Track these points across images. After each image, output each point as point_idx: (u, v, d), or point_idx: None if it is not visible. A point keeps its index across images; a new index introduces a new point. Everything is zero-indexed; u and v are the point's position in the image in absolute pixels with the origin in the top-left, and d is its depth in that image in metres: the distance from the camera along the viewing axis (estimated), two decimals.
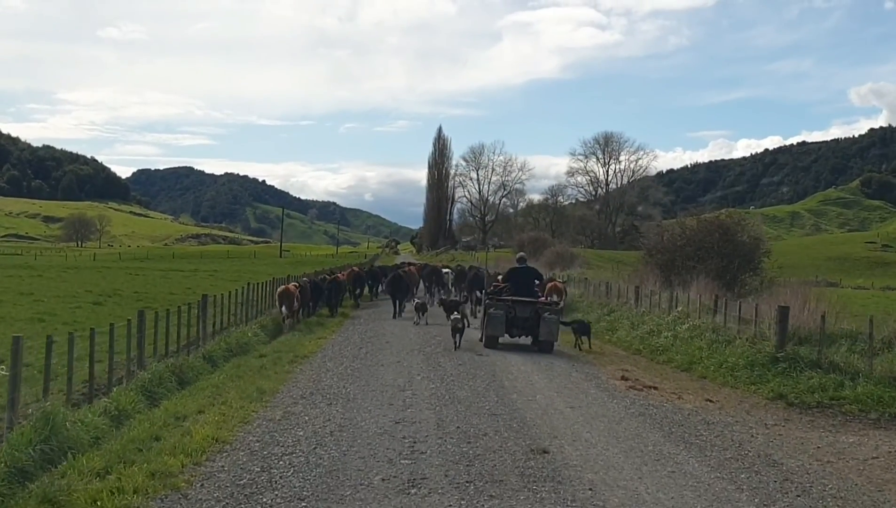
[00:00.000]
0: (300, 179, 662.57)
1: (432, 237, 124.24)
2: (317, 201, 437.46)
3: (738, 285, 26.47)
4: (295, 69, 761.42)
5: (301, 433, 8.01)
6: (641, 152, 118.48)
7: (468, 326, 16.62)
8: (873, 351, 12.18)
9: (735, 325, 15.36)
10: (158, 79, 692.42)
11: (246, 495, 6.08)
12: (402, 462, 6.98)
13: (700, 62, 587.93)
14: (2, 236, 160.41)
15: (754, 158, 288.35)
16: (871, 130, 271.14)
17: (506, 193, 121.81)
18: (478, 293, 23.75)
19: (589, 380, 12.03)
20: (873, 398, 10.67)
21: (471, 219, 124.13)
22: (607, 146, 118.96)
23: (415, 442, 7.65)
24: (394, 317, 21.82)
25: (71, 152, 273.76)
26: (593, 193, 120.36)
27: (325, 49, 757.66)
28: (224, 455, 7.25)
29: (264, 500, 5.97)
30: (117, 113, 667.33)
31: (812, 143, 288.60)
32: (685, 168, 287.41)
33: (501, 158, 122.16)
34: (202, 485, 6.29)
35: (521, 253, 20.72)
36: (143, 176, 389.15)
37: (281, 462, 6.98)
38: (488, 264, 42.50)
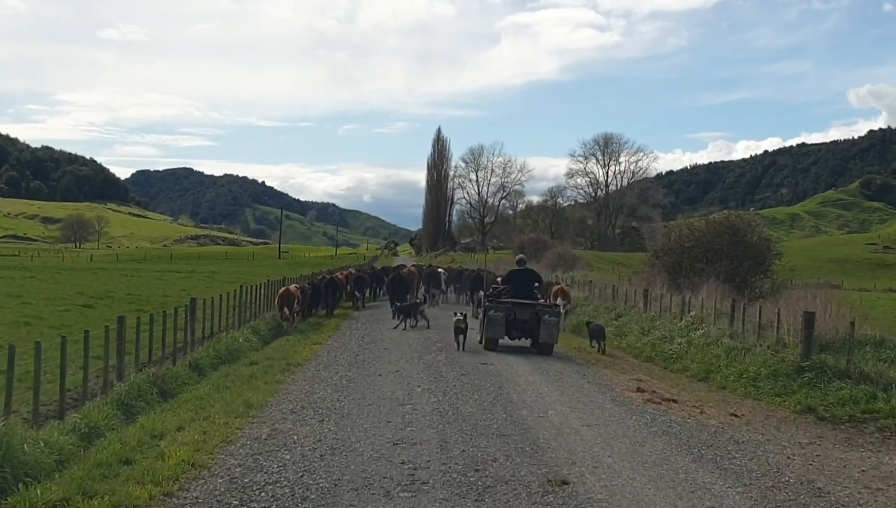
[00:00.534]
0: (299, 181, 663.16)
1: (431, 239, 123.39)
2: (316, 203, 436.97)
3: (748, 288, 25.68)
4: (294, 71, 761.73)
5: (288, 457, 7.15)
6: (641, 154, 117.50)
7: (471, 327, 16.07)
8: None
9: (754, 331, 14.52)
10: (157, 80, 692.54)
11: None
12: (401, 494, 6.09)
13: (699, 64, 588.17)
14: (0, 237, 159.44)
15: (754, 159, 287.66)
16: (871, 131, 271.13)
17: (505, 194, 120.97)
18: (481, 294, 23.23)
19: (603, 392, 11.15)
20: None
21: (470, 220, 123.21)
22: (607, 147, 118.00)
23: (415, 469, 6.76)
24: (394, 317, 21.11)
25: (70, 153, 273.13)
26: (593, 194, 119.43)
27: (324, 50, 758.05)
28: (200, 482, 6.40)
29: None
30: (116, 114, 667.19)
31: (811, 144, 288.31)
32: (684, 170, 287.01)
33: (501, 159, 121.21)
34: None
35: (521, 255, 20.33)
36: (142, 177, 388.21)
37: (263, 494, 6.11)
38: (488, 266, 41.60)
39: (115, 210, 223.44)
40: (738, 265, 25.75)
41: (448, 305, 27.45)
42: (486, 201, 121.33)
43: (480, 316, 17.38)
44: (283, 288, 20.05)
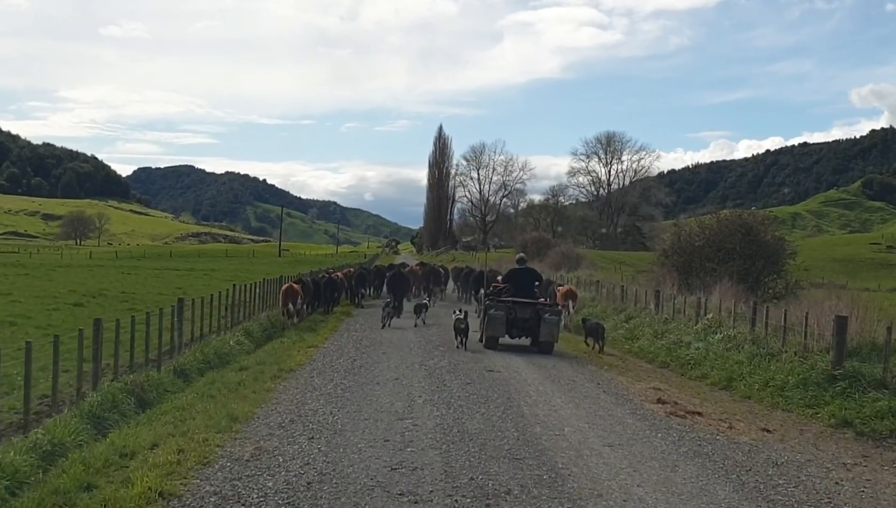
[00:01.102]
0: (300, 179, 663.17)
1: (432, 237, 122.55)
2: (317, 201, 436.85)
3: (761, 289, 24.76)
4: (296, 68, 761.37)
5: (271, 484, 6.24)
6: (644, 152, 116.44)
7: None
8: None
9: (775, 335, 13.60)
10: (159, 77, 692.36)
11: None
12: None
13: (701, 63, 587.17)
14: (1, 234, 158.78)
15: (756, 158, 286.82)
16: (873, 131, 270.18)
17: (506, 193, 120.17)
18: (481, 292, 22.73)
19: (621, 404, 10.22)
20: None
21: (471, 219, 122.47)
22: (609, 146, 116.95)
23: (416, 503, 5.84)
24: (394, 317, 20.36)
25: (71, 150, 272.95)
26: (595, 193, 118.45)
27: (326, 48, 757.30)
28: None
29: None
30: (118, 111, 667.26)
31: (813, 144, 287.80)
32: (686, 169, 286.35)
33: (502, 157, 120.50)
34: None
35: (521, 254, 19.80)
36: (143, 174, 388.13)
37: None
38: (489, 265, 40.67)
39: (116, 207, 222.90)
40: (750, 265, 24.80)
41: (449, 303, 26.62)
42: (488, 200, 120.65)
43: (481, 315, 16.81)
44: (287, 284, 19.92)
